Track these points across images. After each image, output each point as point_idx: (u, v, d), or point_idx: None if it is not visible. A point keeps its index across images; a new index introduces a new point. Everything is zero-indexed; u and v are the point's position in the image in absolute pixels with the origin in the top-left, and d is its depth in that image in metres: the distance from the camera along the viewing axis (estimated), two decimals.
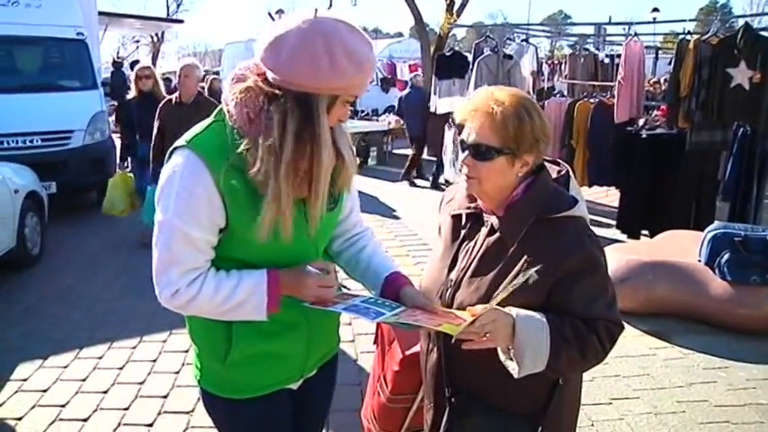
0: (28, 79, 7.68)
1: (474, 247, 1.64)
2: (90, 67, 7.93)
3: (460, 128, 1.62)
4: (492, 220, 1.61)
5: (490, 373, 1.56)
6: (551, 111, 6.89)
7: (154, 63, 28.87)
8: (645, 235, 6.16)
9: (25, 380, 3.74)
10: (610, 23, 9.27)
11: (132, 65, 10.82)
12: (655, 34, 9.96)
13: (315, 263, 1.53)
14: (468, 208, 1.69)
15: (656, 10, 23.08)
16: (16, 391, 3.60)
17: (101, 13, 10.17)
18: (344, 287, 1.67)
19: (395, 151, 13.06)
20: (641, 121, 6.26)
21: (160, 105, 5.53)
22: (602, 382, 3.57)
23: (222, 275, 1.48)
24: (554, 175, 1.65)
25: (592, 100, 6.79)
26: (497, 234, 1.59)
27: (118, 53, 25.33)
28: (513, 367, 1.47)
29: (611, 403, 3.42)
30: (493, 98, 1.53)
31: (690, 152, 5.68)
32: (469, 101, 1.60)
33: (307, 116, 1.37)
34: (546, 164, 1.68)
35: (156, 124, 5.48)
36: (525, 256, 1.52)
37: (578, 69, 8.43)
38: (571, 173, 1.70)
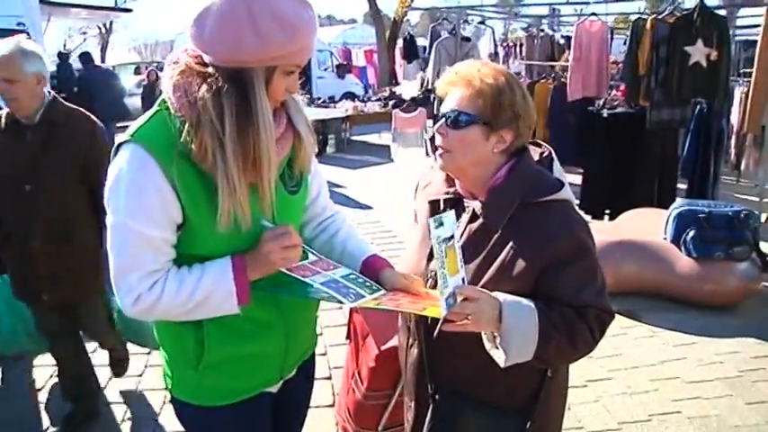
0: None
1: None
2: None
3: (441, 100, 1.55)
4: (473, 205, 1.53)
5: (475, 367, 1.49)
6: None
7: (103, 55, 28.01)
8: (608, 214, 6.19)
9: None
10: (564, 3, 9.27)
11: (81, 57, 10.40)
12: (607, 14, 10.02)
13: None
14: (447, 193, 1.60)
15: None
16: None
17: (43, 2, 9.72)
18: (314, 252, 1.54)
19: (353, 138, 12.92)
20: (601, 101, 6.27)
21: None
22: (577, 364, 3.48)
23: (184, 271, 1.36)
24: (536, 158, 1.58)
25: (549, 80, 6.79)
26: (480, 220, 1.51)
27: (65, 45, 24.51)
28: (499, 356, 1.39)
29: (586, 386, 3.41)
30: (476, 69, 1.48)
31: (650, 130, 5.72)
32: (451, 71, 1.53)
33: (242, 93, 1.27)
34: (528, 146, 1.60)
35: None
36: (510, 243, 1.45)
37: (535, 51, 8.42)
38: (554, 154, 1.62)
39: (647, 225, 4.74)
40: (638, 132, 5.76)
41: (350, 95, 15.69)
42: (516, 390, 1.54)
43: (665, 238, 4.50)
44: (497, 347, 1.39)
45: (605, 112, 5.98)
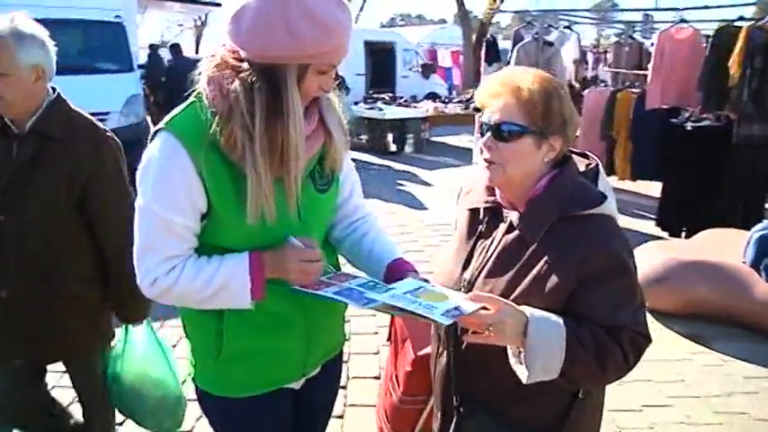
0: (66, 61, 7.70)
1: (491, 244, 1.51)
2: (127, 49, 7.98)
3: (480, 110, 1.50)
4: (511, 216, 1.48)
5: (502, 382, 1.44)
6: (591, 100, 6.65)
7: (197, 47, 29.14)
8: (685, 232, 5.87)
9: None
10: (657, 9, 8.88)
11: (171, 48, 10.90)
12: (706, 21, 9.53)
13: (298, 237, 1.42)
14: (487, 202, 1.56)
15: None
16: None
17: None
18: (333, 269, 1.55)
19: (432, 139, 12.88)
20: (686, 113, 5.95)
21: None
22: (633, 386, 3.39)
23: (203, 261, 1.41)
24: (582, 168, 1.51)
25: (634, 90, 6.50)
26: (516, 232, 1.46)
27: (162, 36, 25.68)
28: (522, 372, 1.34)
29: (641, 410, 3.24)
30: (518, 77, 1.42)
31: (738, 146, 5.37)
32: (491, 81, 1.47)
33: (274, 89, 1.30)
34: (574, 156, 1.54)
35: None
36: (546, 257, 1.40)
37: (623, 58, 8.11)
38: (601, 167, 1.55)
39: (725, 246, 4.46)
40: (725, 147, 5.42)
41: (433, 96, 15.67)
42: (544, 409, 1.48)
43: (744, 262, 4.22)
44: (521, 363, 1.34)
45: (689, 125, 5.66)
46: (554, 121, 1.41)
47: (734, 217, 5.47)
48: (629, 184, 7.22)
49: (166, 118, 1.39)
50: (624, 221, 6.68)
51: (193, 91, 1.40)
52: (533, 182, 1.46)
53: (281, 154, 1.33)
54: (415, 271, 1.57)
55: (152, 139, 1.38)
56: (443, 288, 1.45)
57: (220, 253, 1.42)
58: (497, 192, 1.55)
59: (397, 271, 1.56)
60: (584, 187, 1.46)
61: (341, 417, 3.20)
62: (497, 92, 1.44)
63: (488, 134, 1.44)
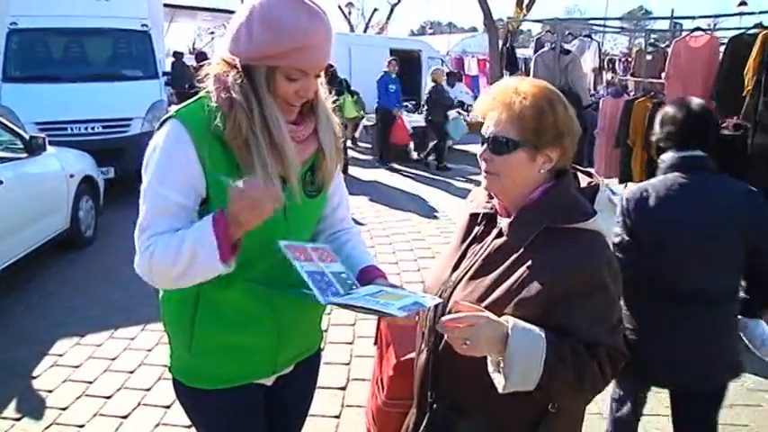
0: (93, 69, 8.03)
1: (481, 248, 1.55)
2: (152, 57, 8.21)
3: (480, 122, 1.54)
4: (503, 222, 1.52)
5: (476, 386, 1.46)
6: (607, 108, 6.60)
7: None
8: None
9: (61, 355, 3.91)
10: (683, 18, 8.78)
11: (197, 56, 11.13)
12: (739, 29, 9.40)
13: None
14: (485, 207, 1.60)
15: (743, 3, 21.71)
16: (51, 366, 3.77)
17: (166, 5, 10.52)
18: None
19: (456, 147, 12.88)
20: None
21: None
22: None
23: (171, 234, 1.42)
24: (583, 185, 1.54)
25: (648, 98, 6.43)
26: (504, 238, 1.49)
27: (194, 44, 26.19)
28: (499, 381, 1.35)
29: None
30: (513, 89, 1.45)
31: (755, 155, 5.29)
32: (489, 93, 1.51)
33: (253, 88, 1.41)
34: (579, 174, 1.57)
35: None
36: (528, 266, 1.42)
37: (645, 66, 8.03)
38: (602, 186, 1.56)
39: None
40: (741, 157, 5.34)
41: (460, 104, 15.67)
42: (514, 417, 1.48)
43: None
44: (499, 371, 1.35)
45: None
46: (547, 135, 1.43)
47: None
48: None
49: (176, 108, 1.49)
50: None
51: (201, 89, 1.50)
52: (529, 191, 1.49)
53: (277, 149, 1.42)
54: (384, 277, 1.64)
55: (160, 126, 1.47)
56: (405, 290, 1.51)
57: None
58: (495, 199, 1.58)
59: (368, 276, 1.63)
60: (576, 201, 1.48)
61: (337, 416, 3.26)
62: (492, 105, 1.47)
63: (485, 146, 1.48)
